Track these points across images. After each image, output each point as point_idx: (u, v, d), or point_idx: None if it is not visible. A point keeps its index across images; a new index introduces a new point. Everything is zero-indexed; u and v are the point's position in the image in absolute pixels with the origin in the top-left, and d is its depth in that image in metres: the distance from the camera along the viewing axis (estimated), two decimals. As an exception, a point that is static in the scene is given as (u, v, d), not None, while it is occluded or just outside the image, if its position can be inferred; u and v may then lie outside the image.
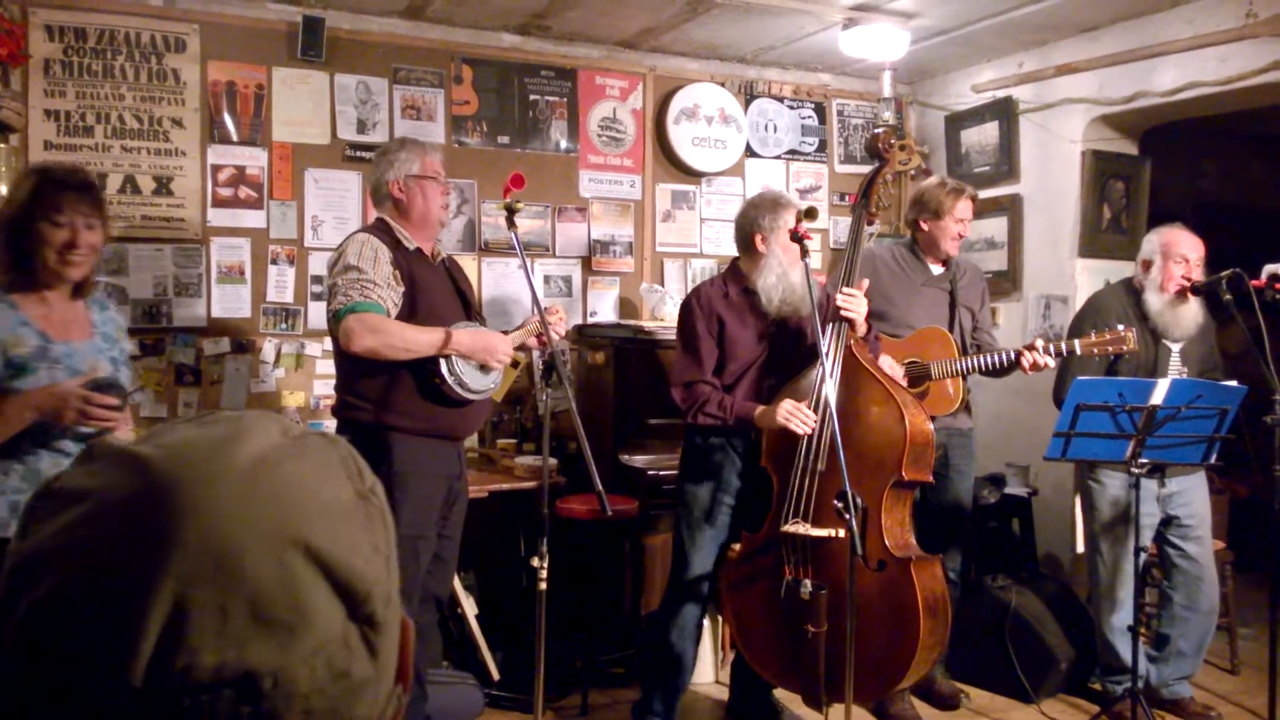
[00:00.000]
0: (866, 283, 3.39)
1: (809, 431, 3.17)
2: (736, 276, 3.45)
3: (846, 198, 5.39)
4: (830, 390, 3.05)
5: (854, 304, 3.22)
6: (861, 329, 3.31)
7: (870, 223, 3.45)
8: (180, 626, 0.49)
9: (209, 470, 0.53)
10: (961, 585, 3.98)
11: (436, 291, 3.14)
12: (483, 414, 3.33)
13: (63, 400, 2.32)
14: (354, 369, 3.03)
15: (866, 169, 3.51)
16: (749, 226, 3.40)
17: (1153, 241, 3.75)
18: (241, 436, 0.57)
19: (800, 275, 3.31)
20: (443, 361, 3.00)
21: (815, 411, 3.18)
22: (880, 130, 3.67)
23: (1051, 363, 3.53)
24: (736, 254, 3.51)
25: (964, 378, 3.69)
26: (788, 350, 3.41)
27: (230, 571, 0.50)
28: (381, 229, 3.13)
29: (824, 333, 3.21)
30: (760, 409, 3.27)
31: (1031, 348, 3.51)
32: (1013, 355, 3.55)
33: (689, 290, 3.65)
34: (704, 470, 3.41)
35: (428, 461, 3.06)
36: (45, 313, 2.46)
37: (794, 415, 3.17)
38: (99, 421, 2.33)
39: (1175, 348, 3.72)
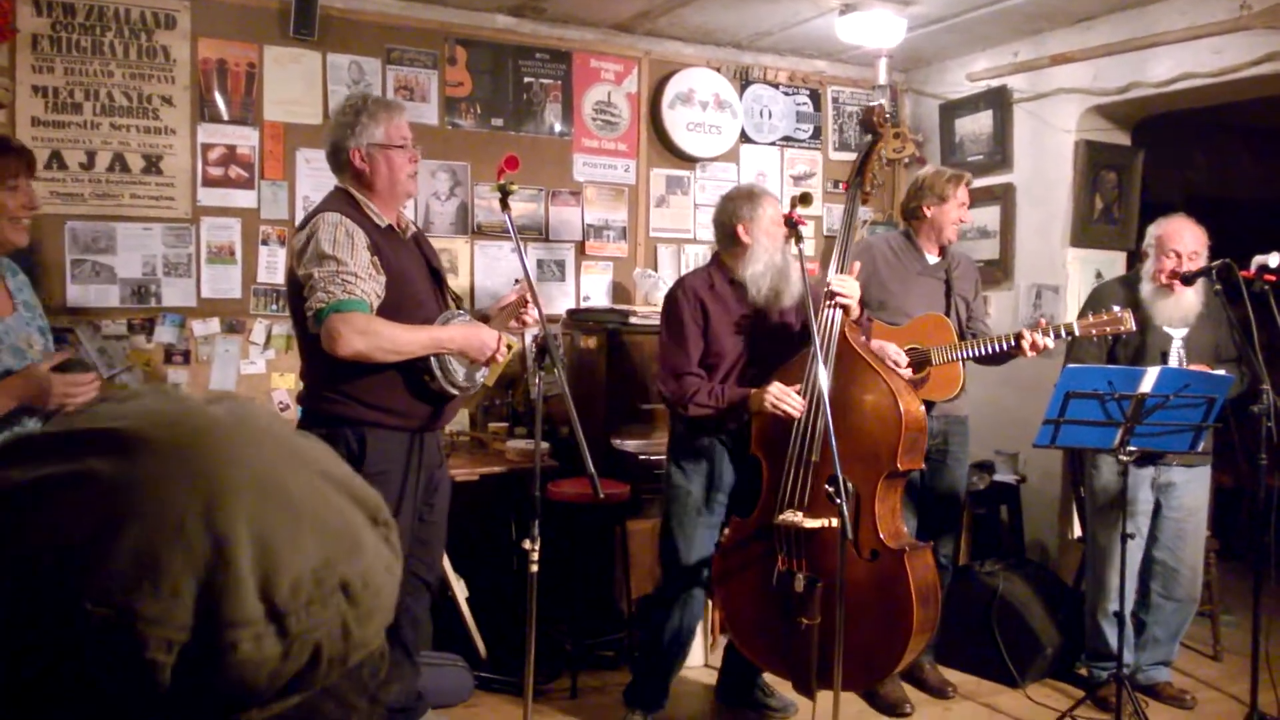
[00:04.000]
0: (858, 265, 3.39)
1: (798, 415, 3.17)
2: (721, 269, 3.43)
3: (840, 185, 5.39)
4: (823, 378, 3.04)
5: (847, 288, 3.22)
6: (855, 313, 3.31)
7: (864, 202, 3.44)
8: (271, 558, 0.52)
9: (201, 427, 0.55)
10: (952, 571, 4.00)
11: (413, 275, 2.97)
12: (460, 402, 3.19)
13: (43, 389, 2.37)
14: (333, 362, 2.77)
15: (886, 149, 3.50)
16: (730, 219, 3.38)
17: (1150, 233, 3.78)
18: (189, 399, 0.59)
19: (784, 258, 3.33)
20: (433, 359, 2.85)
21: (805, 398, 3.18)
22: (875, 104, 3.63)
23: (1051, 344, 3.53)
24: (718, 249, 3.51)
25: (963, 364, 3.71)
26: (775, 342, 3.40)
27: (284, 502, 0.54)
28: (348, 204, 2.88)
29: (816, 319, 3.21)
30: (754, 391, 3.25)
31: (1033, 328, 3.52)
32: (1013, 340, 3.55)
33: (676, 280, 3.63)
34: (697, 464, 3.38)
35: (412, 457, 2.93)
36: None
37: (782, 399, 3.15)
38: (83, 400, 2.37)
39: (1176, 336, 3.74)
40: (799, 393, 3.18)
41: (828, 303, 3.21)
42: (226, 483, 0.52)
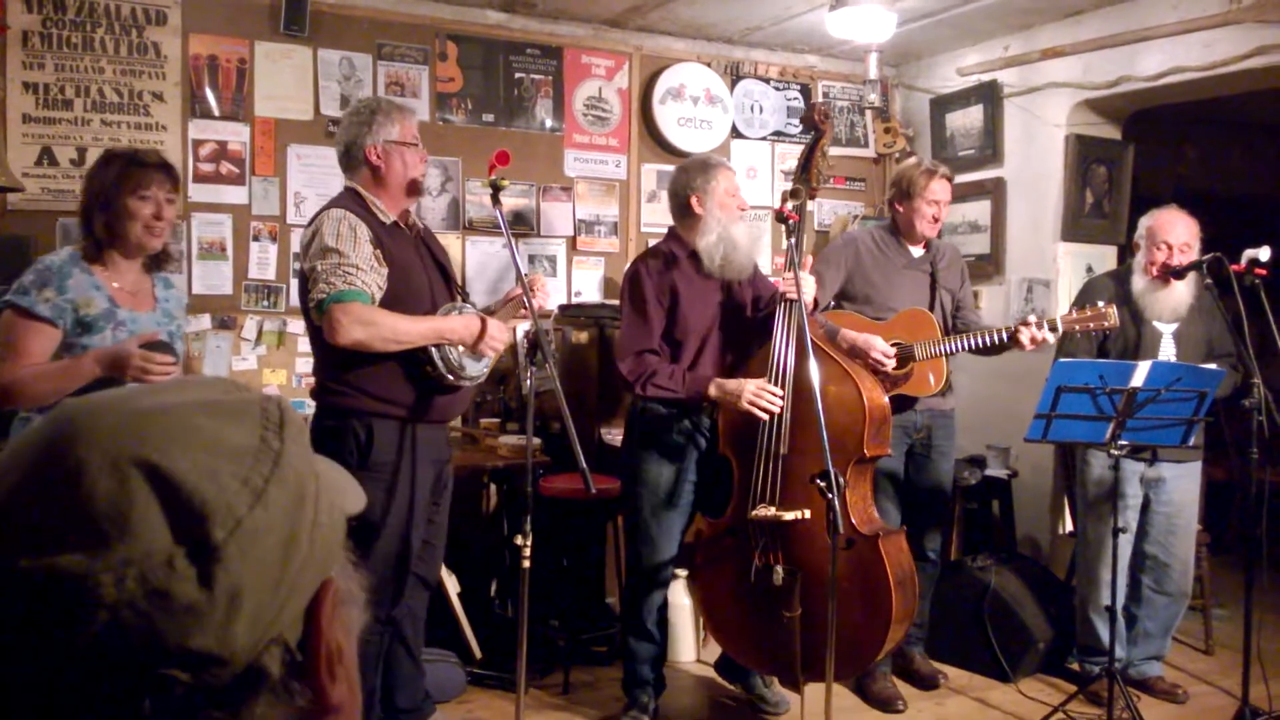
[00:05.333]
0: (811, 261, 3.39)
1: (778, 410, 3.17)
2: (678, 242, 3.42)
3: (832, 180, 5.39)
4: (814, 371, 3.04)
5: (801, 285, 3.20)
6: (809, 308, 3.30)
7: (812, 197, 3.43)
8: (5, 524, 0.53)
9: (101, 410, 0.57)
10: (941, 565, 4.01)
11: (418, 270, 3.00)
12: (469, 395, 3.25)
13: (125, 358, 2.55)
14: (337, 354, 2.84)
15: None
16: (683, 190, 3.39)
17: (1143, 224, 3.78)
18: (166, 391, 0.60)
19: (743, 232, 3.32)
20: (434, 350, 2.87)
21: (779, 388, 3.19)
22: (816, 103, 3.66)
23: (1051, 339, 3.53)
24: (672, 223, 3.50)
25: (947, 358, 3.71)
26: (740, 320, 3.39)
27: (66, 483, 0.53)
28: (355, 201, 2.93)
29: (777, 314, 3.22)
30: (715, 381, 3.23)
31: (1027, 324, 3.51)
32: (1004, 335, 3.55)
33: (636, 256, 3.62)
34: (662, 448, 3.36)
35: (417, 447, 2.95)
36: (117, 282, 2.72)
37: (760, 396, 3.15)
38: (157, 377, 2.55)
39: (1167, 330, 3.75)
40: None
41: (781, 300, 3.21)
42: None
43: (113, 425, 0.55)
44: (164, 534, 0.52)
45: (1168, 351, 3.72)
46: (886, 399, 3.29)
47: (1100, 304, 3.50)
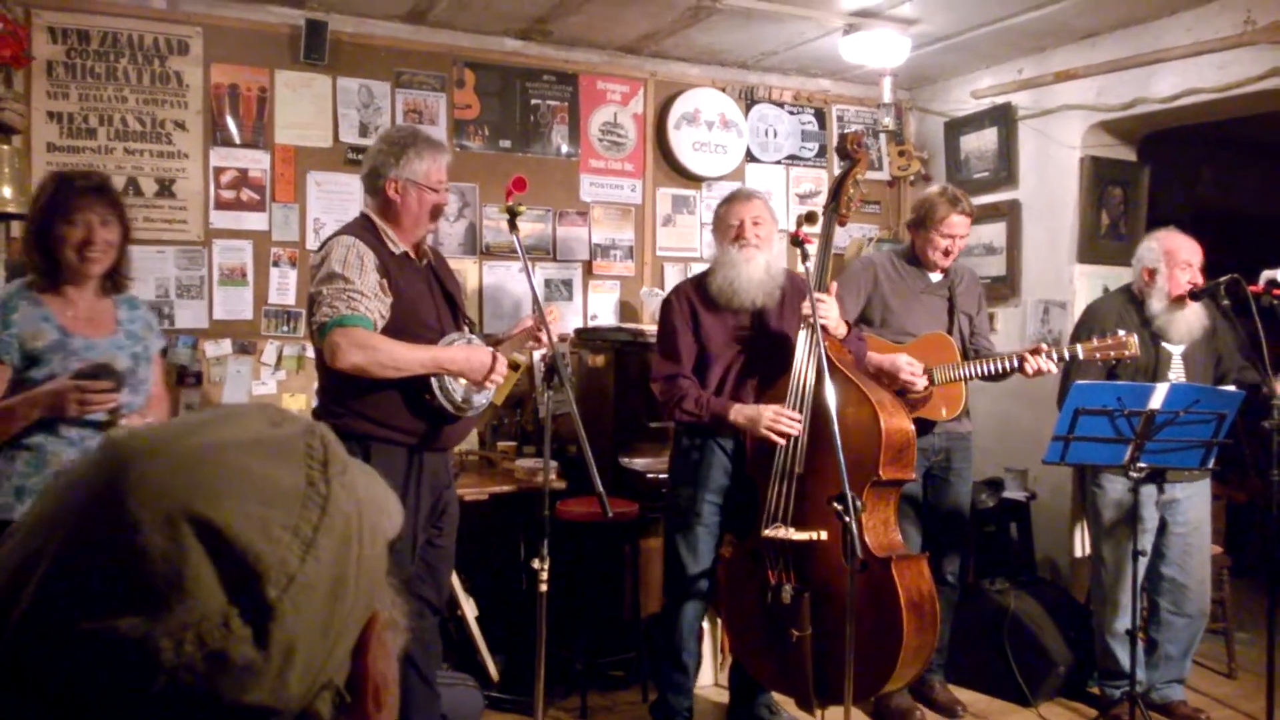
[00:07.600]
0: (835, 285, 3.41)
1: (796, 433, 3.20)
2: (710, 270, 3.50)
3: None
4: (829, 394, 3.04)
5: (821, 310, 3.21)
6: (839, 332, 3.32)
7: (841, 224, 3.47)
8: (54, 584, 0.52)
9: (153, 450, 0.56)
10: (960, 589, 3.99)
11: (424, 300, 3.03)
12: (471, 423, 3.24)
13: (60, 396, 2.46)
14: (339, 377, 2.88)
15: (868, 174, 3.54)
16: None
17: (1154, 250, 3.75)
18: (211, 425, 0.59)
19: (737, 262, 3.36)
20: (434, 380, 2.90)
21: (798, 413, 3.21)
22: (849, 131, 3.69)
23: (1055, 368, 3.54)
24: None
25: (965, 382, 3.71)
26: (766, 346, 3.42)
27: (120, 541, 0.53)
28: (367, 229, 2.97)
29: (798, 337, 3.24)
30: (734, 406, 3.28)
31: (1036, 352, 3.52)
32: (1016, 361, 3.56)
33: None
34: (688, 470, 3.42)
35: (414, 473, 2.97)
36: (68, 309, 2.64)
37: (778, 421, 3.19)
38: (99, 406, 2.48)
39: (1176, 351, 3.74)
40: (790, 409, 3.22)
41: (803, 324, 3.22)
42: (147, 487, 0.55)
43: (162, 473, 0.55)
44: (218, 594, 0.52)
45: (1177, 373, 3.71)
46: (909, 424, 3.27)
47: (1120, 332, 3.50)
